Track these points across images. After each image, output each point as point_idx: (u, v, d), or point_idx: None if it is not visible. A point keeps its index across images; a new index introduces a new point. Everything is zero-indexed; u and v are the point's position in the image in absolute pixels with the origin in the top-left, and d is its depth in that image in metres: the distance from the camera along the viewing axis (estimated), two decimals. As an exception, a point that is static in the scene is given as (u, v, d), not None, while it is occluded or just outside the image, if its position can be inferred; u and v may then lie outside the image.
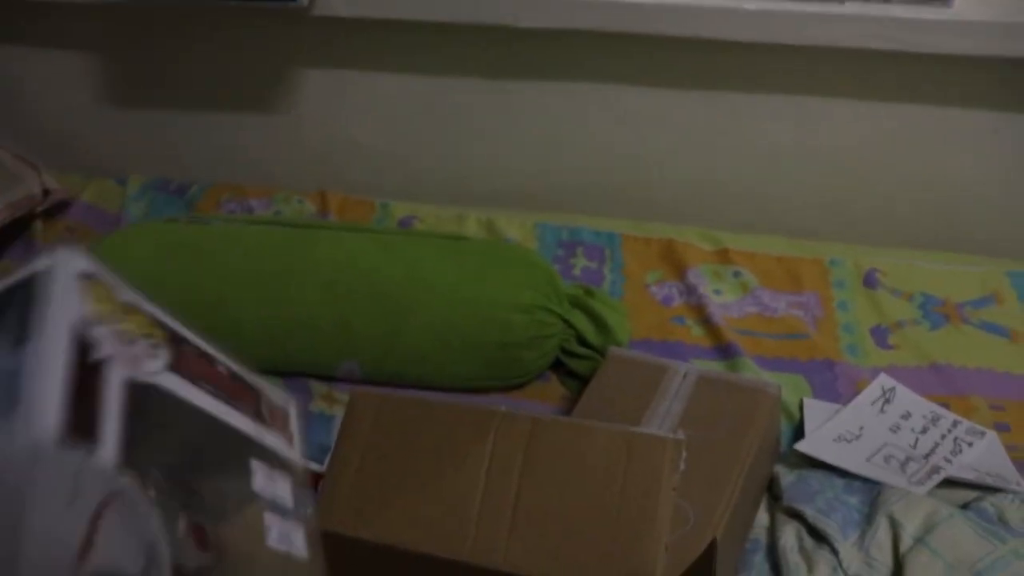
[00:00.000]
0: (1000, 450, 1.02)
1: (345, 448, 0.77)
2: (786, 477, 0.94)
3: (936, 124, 1.26)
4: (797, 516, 0.90)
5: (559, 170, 1.38)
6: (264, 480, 0.52)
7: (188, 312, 1.03)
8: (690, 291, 1.20)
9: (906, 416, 1.05)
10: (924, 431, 1.02)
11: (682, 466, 0.72)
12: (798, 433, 1.03)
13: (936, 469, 0.95)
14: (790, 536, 0.88)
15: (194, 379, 0.49)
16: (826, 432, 1.01)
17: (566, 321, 1.06)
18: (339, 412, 1.03)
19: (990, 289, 1.24)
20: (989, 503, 0.92)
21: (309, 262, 1.05)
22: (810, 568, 0.85)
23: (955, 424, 1.04)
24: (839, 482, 0.93)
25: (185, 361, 0.50)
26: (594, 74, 1.28)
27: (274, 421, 0.56)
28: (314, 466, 0.95)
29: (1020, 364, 1.14)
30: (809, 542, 0.87)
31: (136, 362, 0.45)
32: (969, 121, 1.25)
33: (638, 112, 1.30)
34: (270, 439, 0.55)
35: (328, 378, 1.06)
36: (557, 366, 1.09)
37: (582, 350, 1.07)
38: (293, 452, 0.56)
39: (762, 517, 0.93)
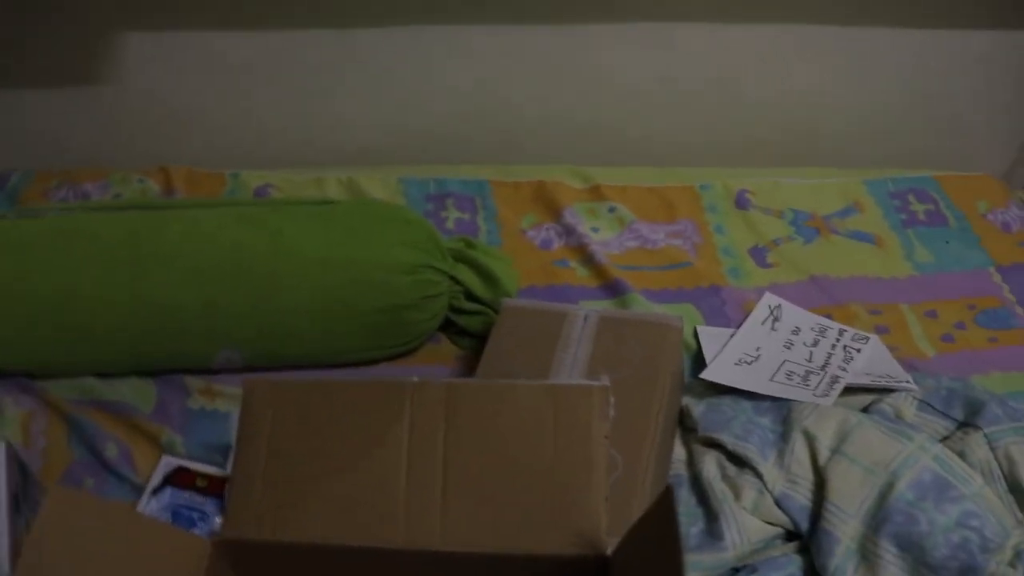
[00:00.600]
0: (885, 352, 1.05)
1: (247, 446, 0.69)
2: (696, 407, 0.93)
3: (787, 42, 1.27)
4: (714, 445, 0.89)
5: (416, 120, 1.31)
6: None
7: (28, 317, 0.93)
8: (568, 232, 1.17)
9: (796, 331, 1.06)
10: (815, 344, 1.04)
11: (612, 412, 0.69)
12: (697, 361, 1.03)
13: (835, 379, 0.96)
14: (711, 465, 0.87)
15: None
16: (726, 357, 1.00)
17: (452, 277, 1.01)
18: (222, 406, 0.94)
19: (851, 199, 1.27)
20: (886, 404, 0.94)
21: (164, 246, 0.95)
22: (736, 494, 0.84)
23: (841, 333, 1.06)
24: (747, 405, 0.93)
25: None
26: (440, 15, 1.22)
27: None
28: (212, 469, 0.88)
29: (887, 268, 1.18)
30: (731, 469, 0.87)
31: None
32: (817, 36, 1.26)
33: (488, 52, 1.25)
34: None
35: (206, 371, 0.97)
36: (446, 325, 1.04)
37: (471, 305, 1.02)
38: None
39: (678, 451, 0.92)
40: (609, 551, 0.62)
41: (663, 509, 0.60)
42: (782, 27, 1.25)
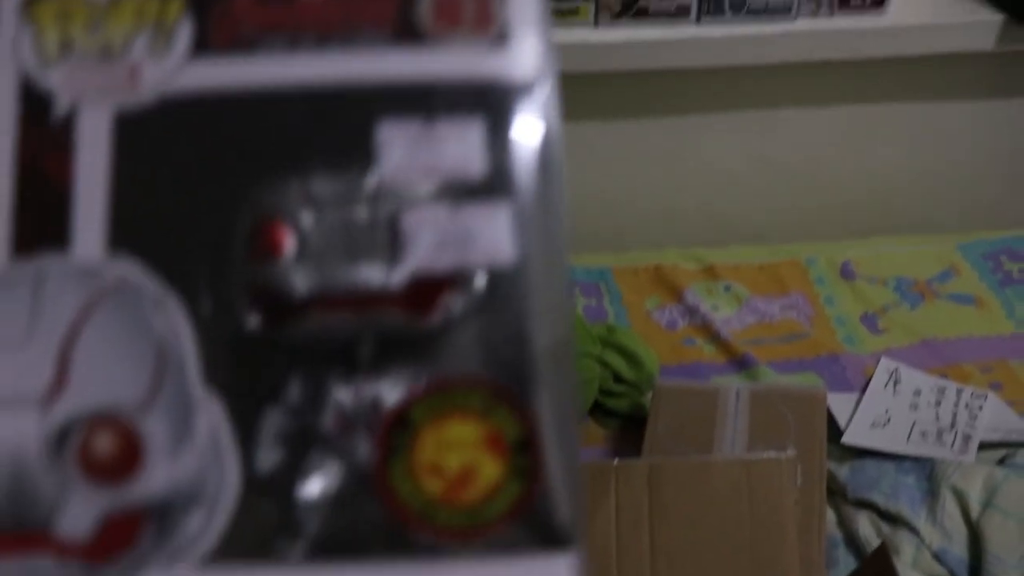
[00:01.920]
0: (1004, 407, 1.12)
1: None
2: (840, 470, 1.00)
3: (875, 120, 1.36)
4: (865, 505, 0.96)
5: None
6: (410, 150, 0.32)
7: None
8: (691, 311, 1.26)
9: (917, 393, 1.13)
10: (939, 403, 1.11)
11: (799, 480, 0.77)
12: (828, 427, 1.10)
13: (968, 437, 1.03)
14: (866, 525, 0.94)
15: (250, 43, 0.32)
16: (861, 421, 1.08)
17: (601, 361, 1.09)
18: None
19: (947, 263, 1.35)
20: (1021, 458, 1.01)
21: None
22: (895, 551, 0.91)
23: (959, 392, 1.13)
24: (890, 466, 1.00)
25: (228, 23, 0.32)
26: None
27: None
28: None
29: (991, 326, 1.25)
30: (885, 527, 0.94)
31: (130, 79, 0.32)
32: (903, 114, 1.36)
33: (601, 147, 1.36)
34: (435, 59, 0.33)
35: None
36: (593, 408, 1.12)
37: (618, 387, 1.10)
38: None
39: (827, 513, 0.99)
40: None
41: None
42: (869, 107, 1.35)
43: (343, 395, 0.31)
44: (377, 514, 0.30)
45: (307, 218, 0.31)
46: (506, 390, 0.30)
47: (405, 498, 0.30)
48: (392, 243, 0.31)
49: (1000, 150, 1.43)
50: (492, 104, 0.32)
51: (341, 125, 0.32)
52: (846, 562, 0.93)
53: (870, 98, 1.34)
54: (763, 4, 1.18)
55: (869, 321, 1.26)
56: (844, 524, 0.97)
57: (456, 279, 0.31)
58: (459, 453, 0.30)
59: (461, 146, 0.32)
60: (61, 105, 0.32)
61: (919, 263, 1.34)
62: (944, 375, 1.17)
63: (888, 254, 1.35)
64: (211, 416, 0.31)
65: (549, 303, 0.31)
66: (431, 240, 0.31)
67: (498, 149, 0.32)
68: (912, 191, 1.45)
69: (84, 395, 0.31)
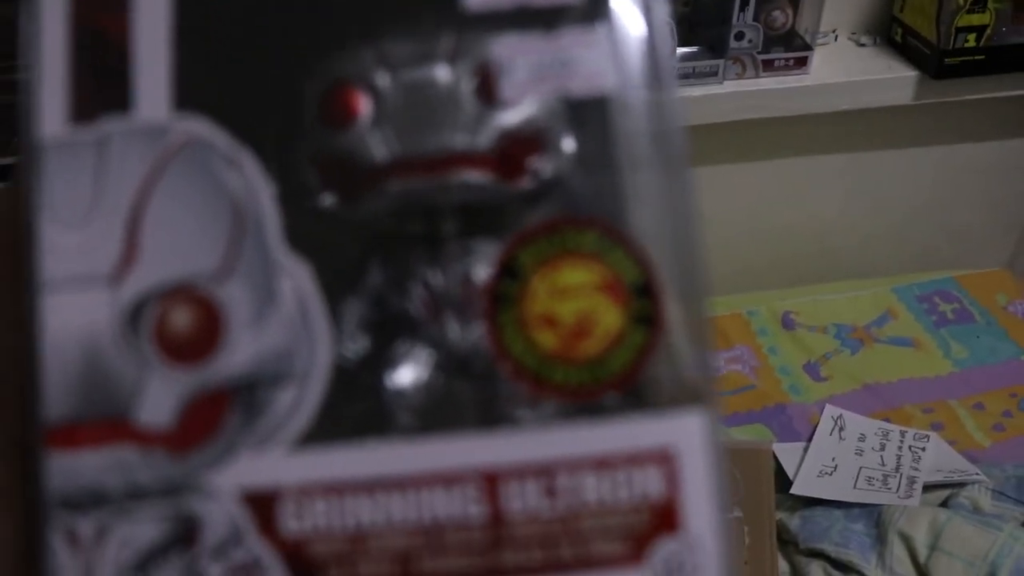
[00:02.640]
0: (946, 447, 1.15)
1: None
2: (791, 520, 1.02)
3: (803, 172, 1.41)
4: (817, 554, 0.98)
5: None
6: None
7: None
8: (639, 369, 1.28)
9: (862, 438, 1.16)
10: (882, 448, 1.14)
11: (747, 540, 0.78)
12: (777, 477, 1.12)
13: (912, 480, 1.06)
14: (818, 574, 0.96)
15: None
16: (807, 470, 1.10)
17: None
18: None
19: (884, 307, 1.39)
20: (963, 498, 1.03)
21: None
22: (848, 599, 0.93)
23: (903, 434, 1.16)
24: (839, 513, 1.02)
25: None
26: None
27: None
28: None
29: (930, 367, 1.29)
30: (836, 575, 0.96)
31: None
32: (830, 164, 1.41)
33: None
34: None
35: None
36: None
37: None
38: None
39: (781, 564, 1.01)
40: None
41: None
42: (798, 159, 1.40)
43: (429, 275, 0.28)
44: (487, 383, 0.28)
45: (383, 79, 0.29)
46: (620, 231, 0.27)
47: (519, 356, 0.27)
48: (479, 92, 0.28)
49: (926, 196, 1.49)
50: None
51: None
52: (801, 613, 0.94)
53: (801, 151, 1.39)
54: (691, 69, 1.23)
55: (812, 369, 1.29)
56: (797, 574, 0.98)
57: (547, 137, 0.28)
58: (575, 300, 0.27)
59: None
60: None
61: (857, 308, 1.38)
62: (887, 419, 1.20)
63: (826, 301, 1.39)
64: (297, 281, 0.28)
65: (658, 132, 0.28)
66: (525, 71, 0.28)
67: None
68: (847, 238, 1.49)
69: (157, 267, 0.28)
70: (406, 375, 0.28)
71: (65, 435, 0.27)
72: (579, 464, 0.27)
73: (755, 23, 1.21)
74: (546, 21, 0.28)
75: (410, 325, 0.28)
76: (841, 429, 1.18)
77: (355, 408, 0.28)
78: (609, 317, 0.27)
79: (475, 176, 0.28)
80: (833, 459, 1.12)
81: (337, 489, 0.27)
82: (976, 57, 1.25)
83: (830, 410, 1.21)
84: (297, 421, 0.27)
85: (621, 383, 0.27)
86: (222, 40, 0.29)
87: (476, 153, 0.28)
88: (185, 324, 0.28)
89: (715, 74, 1.23)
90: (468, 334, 0.28)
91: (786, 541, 1.02)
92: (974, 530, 0.94)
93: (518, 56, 0.28)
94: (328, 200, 0.28)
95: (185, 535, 0.27)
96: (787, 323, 1.35)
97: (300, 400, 0.27)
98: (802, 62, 1.24)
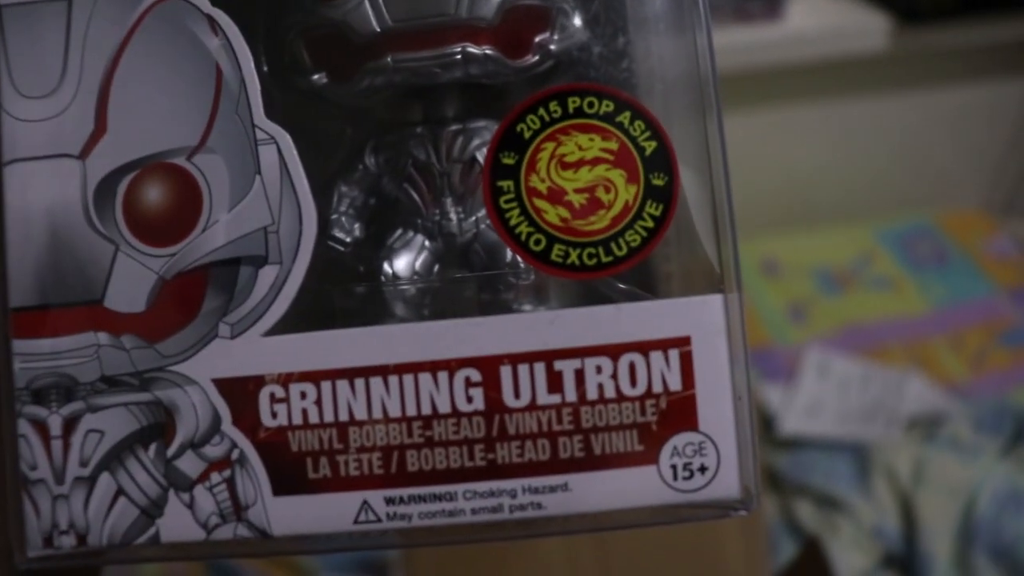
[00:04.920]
0: (927, 384, 1.18)
1: None
2: (778, 460, 1.06)
3: (786, 121, 1.43)
4: (804, 491, 1.02)
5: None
6: None
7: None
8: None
9: (845, 378, 1.19)
10: (865, 387, 1.17)
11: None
12: (764, 421, 1.15)
13: (894, 414, 1.09)
14: (806, 510, 1.00)
15: None
16: (794, 410, 1.13)
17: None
18: None
19: (864, 250, 1.42)
20: (944, 431, 1.07)
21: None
22: (834, 532, 0.96)
23: (884, 374, 1.19)
24: (824, 452, 1.05)
25: None
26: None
27: None
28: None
29: (909, 307, 1.32)
30: (824, 510, 0.99)
31: None
32: (813, 112, 1.43)
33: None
34: None
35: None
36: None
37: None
38: None
39: (765, 503, 1.04)
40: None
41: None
42: (782, 109, 1.42)
43: (427, 159, 0.26)
44: (489, 274, 0.26)
45: None
46: (634, 100, 0.25)
47: (523, 233, 0.25)
48: None
49: (904, 141, 1.51)
50: None
51: None
52: (787, 550, 0.98)
53: (779, 100, 1.40)
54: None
55: (795, 313, 1.32)
56: (785, 511, 1.02)
57: (554, 14, 0.26)
58: (583, 172, 0.25)
59: None
60: None
61: (838, 253, 1.41)
62: (869, 359, 1.23)
63: (808, 246, 1.41)
64: (279, 150, 0.25)
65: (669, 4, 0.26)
66: None
67: None
68: (827, 185, 1.52)
69: (129, 140, 0.25)
70: (401, 264, 0.26)
71: (31, 322, 0.26)
72: (586, 353, 0.25)
73: (729, -28, 1.23)
74: None
75: (406, 212, 0.26)
76: (825, 370, 1.21)
77: (342, 296, 0.26)
78: (620, 190, 0.25)
79: (476, 54, 0.26)
80: (818, 399, 1.15)
81: (319, 379, 0.25)
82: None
83: (814, 352, 1.24)
84: (278, 306, 0.25)
85: (632, 263, 0.25)
86: None
87: (477, 25, 0.26)
88: (159, 199, 0.26)
89: (692, 26, 1.24)
90: (469, 222, 0.26)
91: (774, 480, 1.05)
92: (954, 462, 0.97)
93: None
94: (319, 79, 0.26)
95: (159, 426, 0.26)
96: (770, 268, 1.38)
97: (281, 283, 0.25)
98: (776, 10, 1.26)
